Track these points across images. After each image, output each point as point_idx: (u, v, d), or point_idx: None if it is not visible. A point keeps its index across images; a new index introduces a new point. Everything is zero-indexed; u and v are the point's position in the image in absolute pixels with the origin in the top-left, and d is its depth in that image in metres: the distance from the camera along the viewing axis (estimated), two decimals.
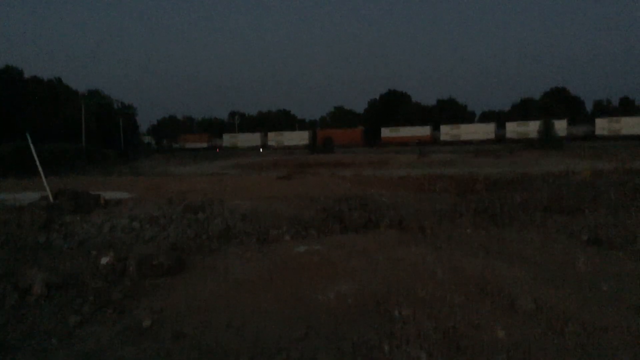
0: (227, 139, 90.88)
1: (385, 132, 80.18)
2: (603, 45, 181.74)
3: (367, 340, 3.95)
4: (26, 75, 60.85)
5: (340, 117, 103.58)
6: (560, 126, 66.73)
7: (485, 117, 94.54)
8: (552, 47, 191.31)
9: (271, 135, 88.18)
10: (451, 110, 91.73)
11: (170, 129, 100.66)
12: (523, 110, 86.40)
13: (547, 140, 48.61)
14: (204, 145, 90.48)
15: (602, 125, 67.34)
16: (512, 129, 71.80)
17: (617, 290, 4.97)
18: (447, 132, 75.78)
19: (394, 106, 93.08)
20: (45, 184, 10.48)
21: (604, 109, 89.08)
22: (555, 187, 11.48)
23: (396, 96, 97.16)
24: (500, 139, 71.06)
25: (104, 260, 6.23)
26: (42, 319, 4.54)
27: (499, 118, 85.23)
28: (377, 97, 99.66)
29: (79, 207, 9.77)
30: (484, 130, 73.91)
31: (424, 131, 77.36)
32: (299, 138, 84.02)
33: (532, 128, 67.19)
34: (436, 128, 78.57)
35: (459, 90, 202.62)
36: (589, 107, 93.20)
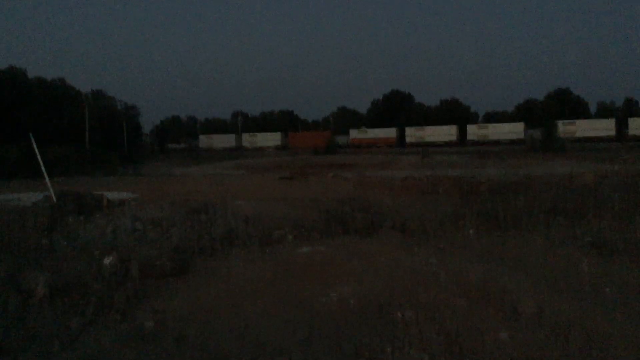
0: (204, 140, 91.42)
1: (354, 134, 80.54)
2: (607, 46, 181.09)
3: (369, 343, 3.95)
4: (30, 75, 60.89)
5: (344, 117, 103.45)
6: (517, 129, 67.58)
7: (488, 118, 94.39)
8: (556, 48, 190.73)
9: (245, 137, 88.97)
10: (454, 111, 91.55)
11: (174, 129, 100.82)
12: (526, 111, 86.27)
13: (547, 143, 48.65)
14: (182, 146, 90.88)
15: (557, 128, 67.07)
16: (473, 131, 74.21)
17: (621, 295, 4.94)
18: (412, 134, 77.39)
19: (397, 107, 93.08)
20: (49, 185, 10.51)
21: (607, 110, 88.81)
22: (558, 190, 11.44)
23: (399, 96, 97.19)
24: (461, 141, 73.15)
25: (107, 262, 6.24)
26: (44, 322, 4.55)
27: (501, 119, 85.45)
28: (381, 98, 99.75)
29: (82, 208, 9.78)
30: (446, 133, 75.77)
31: (390, 133, 78.83)
32: (271, 139, 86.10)
33: (491, 131, 70.55)
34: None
35: (462, 91, 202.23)
36: (593, 108, 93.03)
